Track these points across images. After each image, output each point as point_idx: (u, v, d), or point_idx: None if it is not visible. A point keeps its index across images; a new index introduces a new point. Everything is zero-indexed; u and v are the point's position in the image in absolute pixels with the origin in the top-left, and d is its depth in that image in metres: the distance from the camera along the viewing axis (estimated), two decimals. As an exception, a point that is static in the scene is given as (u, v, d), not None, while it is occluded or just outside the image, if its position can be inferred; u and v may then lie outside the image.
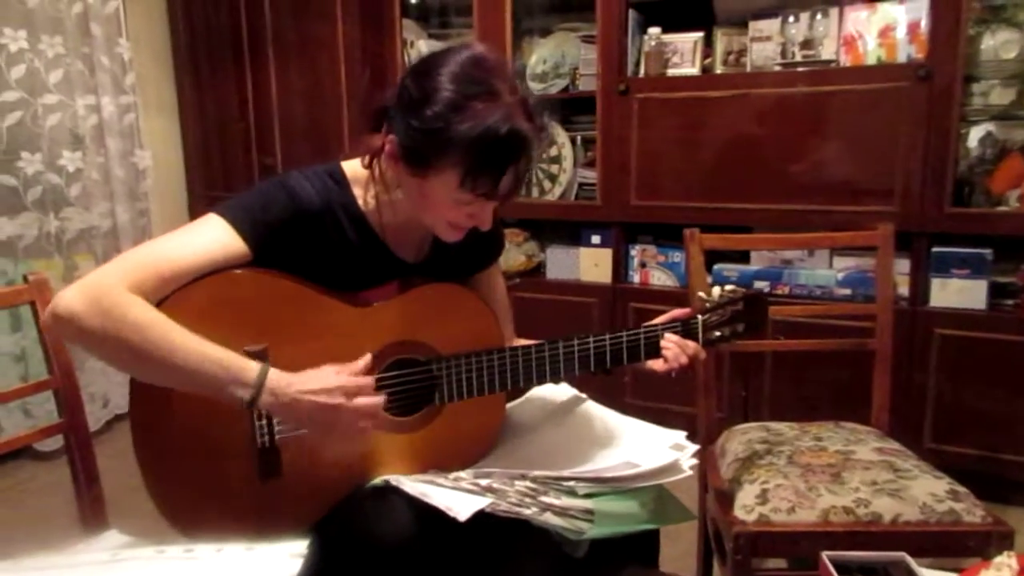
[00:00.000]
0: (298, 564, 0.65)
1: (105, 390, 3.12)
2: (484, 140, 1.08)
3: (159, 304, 1.09)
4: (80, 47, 2.97)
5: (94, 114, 3.04)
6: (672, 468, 1.23)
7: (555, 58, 3.08)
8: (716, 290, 1.42)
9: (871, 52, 2.49)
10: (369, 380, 1.11)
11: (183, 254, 1.11)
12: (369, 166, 1.23)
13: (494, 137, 1.08)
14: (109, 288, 1.05)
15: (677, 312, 1.38)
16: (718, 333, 1.39)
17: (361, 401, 1.09)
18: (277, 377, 1.07)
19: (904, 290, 2.47)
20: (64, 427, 1.37)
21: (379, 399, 1.11)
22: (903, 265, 2.45)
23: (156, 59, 3.51)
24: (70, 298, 1.04)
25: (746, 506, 1.47)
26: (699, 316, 1.37)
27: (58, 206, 2.94)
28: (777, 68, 2.60)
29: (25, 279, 1.35)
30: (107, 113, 3.06)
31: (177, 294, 1.10)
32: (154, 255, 1.11)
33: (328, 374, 1.10)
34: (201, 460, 1.17)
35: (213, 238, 1.13)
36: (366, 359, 1.14)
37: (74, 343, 1.08)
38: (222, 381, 1.05)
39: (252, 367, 1.06)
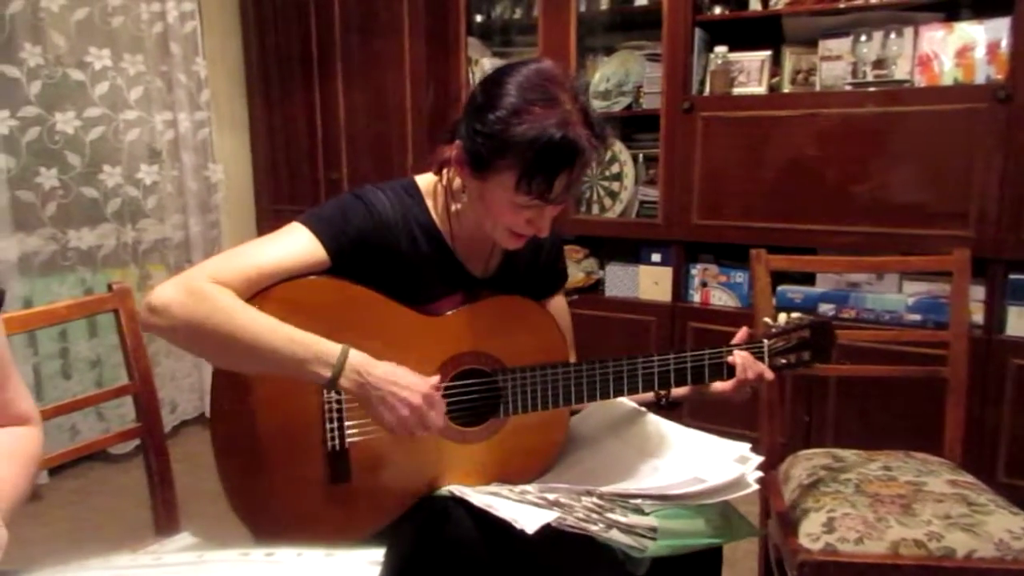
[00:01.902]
0: (376, 572, 0.67)
1: (173, 396, 3.20)
2: (539, 142, 1.12)
3: None
4: (159, 65, 3.09)
5: (171, 129, 3.15)
6: (738, 483, 1.21)
7: (618, 76, 3.08)
8: (782, 316, 1.42)
9: (947, 72, 2.43)
10: (441, 398, 1.16)
11: (267, 259, 1.17)
12: (439, 174, 1.28)
13: (548, 140, 1.12)
14: (199, 281, 1.12)
15: (743, 334, 1.39)
16: (783, 360, 1.39)
17: (432, 413, 1.13)
18: (360, 358, 1.11)
19: (978, 318, 2.40)
20: (141, 431, 1.41)
21: (443, 419, 1.15)
22: (978, 292, 2.38)
23: (230, 77, 3.62)
24: (164, 291, 1.12)
25: (811, 534, 1.44)
26: (765, 341, 1.37)
27: (135, 217, 3.05)
28: (848, 88, 2.56)
29: (110, 288, 1.40)
30: (183, 129, 3.16)
31: (258, 296, 1.16)
32: (241, 258, 1.17)
33: (408, 373, 1.14)
34: (274, 461, 1.21)
35: (296, 245, 1.19)
36: (435, 379, 1.17)
37: (167, 333, 1.14)
38: (305, 359, 1.10)
39: (335, 347, 1.11)
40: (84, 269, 2.90)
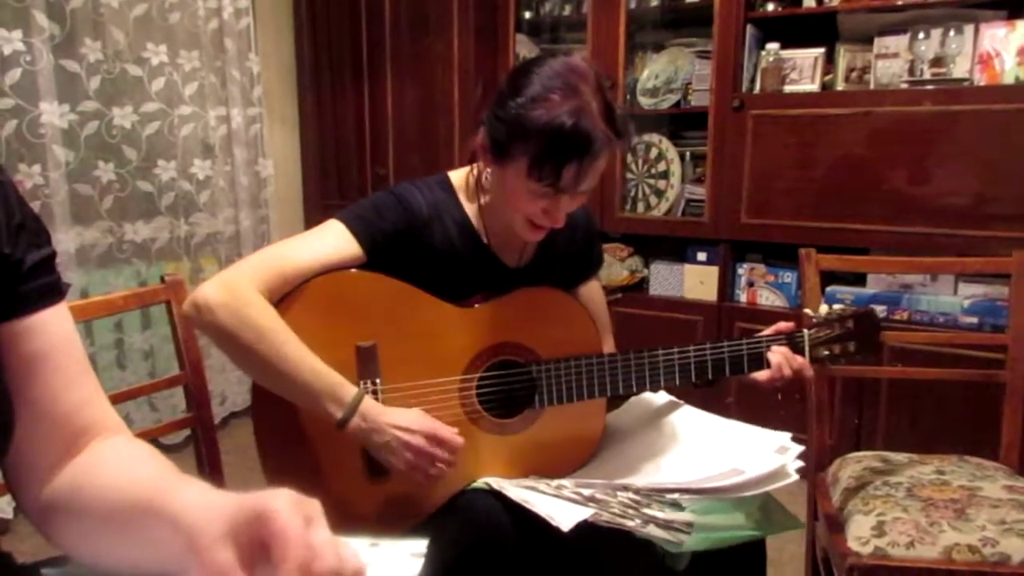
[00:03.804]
0: (419, 564, 0.67)
1: (222, 388, 3.27)
2: (550, 128, 1.13)
3: (282, 299, 1.17)
4: (214, 61, 3.14)
5: (223, 125, 3.21)
6: (778, 474, 1.19)
7: (667, 73, 3.06)
8: (824, 307, 1.40)
9: (1009, 71, 2.36)
10: (454, 438, 1.17)
11: (305, 255, 1.20)
12: (469, 163, 1.31)
13: (559, 127, 1.13)
14: (242, 288, 1.14)
15: (783, 325, 1.36)
16: (826, 351, 1.35)
17: (440, 453, 1.15)
18: (370, 405, 1.15)
19: (1037, 320, 2.32)
20: (193, 421, 1.44)
21: (452, 459, 1.17)
22: (1037, 294, 2.30)
23: (281, 73, 3.68)
24: (209, 292, 1.15)
25: (860, 538, 1.41)
26: (805, 331, 1.34)
27: (188, 211, 3.11)
28: (904, 86, 2.50)
29: (162, 280, 1.43)
30: (235, 124, 3.22)
31: (297, 290, 1.19)
32: (280, 256, 1.21)
33: (419, 417, 1.17)
34: (315, 458, 1.22)
35: (332, 241, 1.22)
36: (454, 431, 1.19)
37: (204, 332, 1.18)
38: (320, 397, 1.13)
39: (350, 390, 1.14)
40: (139, 262, 2.96)
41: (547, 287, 1.34)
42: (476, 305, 1.28)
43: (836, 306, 1.40)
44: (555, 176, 1.16)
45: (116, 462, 0.72)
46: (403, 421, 1.15)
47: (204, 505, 0.55)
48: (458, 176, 1.35)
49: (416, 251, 1.26)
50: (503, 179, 1.23)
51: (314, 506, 0.55)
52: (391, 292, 1.23)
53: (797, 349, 1.33)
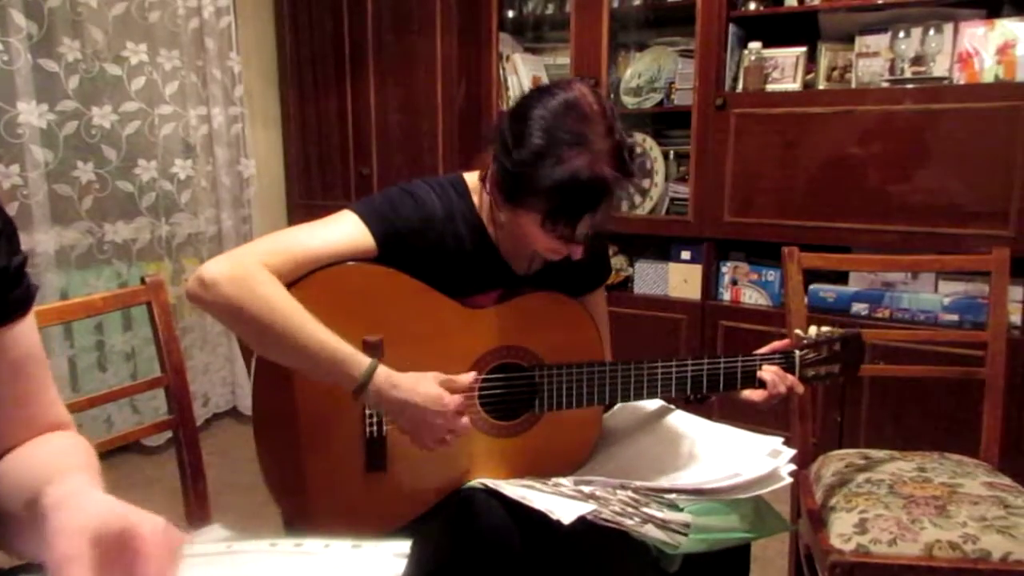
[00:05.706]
0: (402, 564, 0.67)
1: (206, 389, 3.24)
2: (563, 186, 1.12)
3: (290, 286, 1.16)
4: (195, 60, 3.11)
5: (205, 124, 3.18)
6: (772, 476, 1.21)
7: (650, 72, 3.06)
8: (813, 329, 1.43)
9: (988, 70, 2.39)
10: (463, 401, 1.16)
11: (317, 243, 1.19)
12: (483, 180, 1.29)
13: (573, 184, 1.12)
14: (250, 264, 1.13)
15: (777, 344, 1.39)
16: (812, 372, 1.39)
17: (456, 425, 1.15)
18: (384, 376, 1.13)
19: (1016, 318, 2.35)
20: (174, 423, 1.43)
21: (467, 424, 1.17)
22: (1016, 292, 2.33)
23: (263, 72, 3.65)
24: (216, 266, 1.13)
25: (843, 535, 1.42)
26: (796, 352, 1.37)
27: (169, 212, 3.08)
28: (884, 84, 2.52)
29: (143, 280, 1.41)
30: (217, 124, 3.19)
31: (307, 279, 1.18)
32: (292, 241, 1.20)
33: (432, 383, 1.15)
34: (314, 447, 1.23)
35: (345, 232, 1.21)
36: (470, 376, 1.20)
37: (210, 308, 1.16)
38: (333, 368, 1.12)
39: (362, 362, 1.12)
40: (120, 263, 2.93)
41: (553, 292, 1.34)
42: (483, 307, 1.28)
43: (824, 328, 1.44)
44: (570, 228, 1.17)
45: (28, 457, 0.74)
46: (417, 398, 1.13)
47: (76, 503, 0.56)
48: (473, 179, 1.33)
49: (427, 250, 1.25)
50: (515, 219, 1.22)
51: (180, 539, 0.56)
52: (401, 288, 1.23)
53: (789, 367, 1.36)
